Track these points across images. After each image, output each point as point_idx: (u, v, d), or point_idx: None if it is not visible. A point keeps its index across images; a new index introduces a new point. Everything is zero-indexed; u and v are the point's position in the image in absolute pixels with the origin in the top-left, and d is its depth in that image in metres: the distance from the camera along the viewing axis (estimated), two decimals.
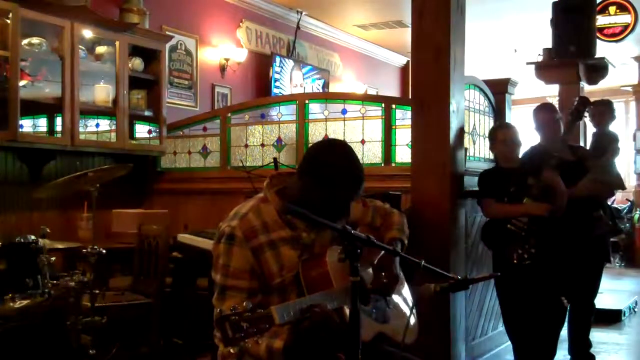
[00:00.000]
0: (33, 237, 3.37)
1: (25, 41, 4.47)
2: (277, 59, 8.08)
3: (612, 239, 10.00)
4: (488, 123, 4.67)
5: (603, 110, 4.90)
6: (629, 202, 10.60)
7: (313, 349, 1.87)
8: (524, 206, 3.68)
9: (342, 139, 4.58)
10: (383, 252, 2.19)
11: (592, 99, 4.80)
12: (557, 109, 4.26)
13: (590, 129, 5.59)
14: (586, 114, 4.12)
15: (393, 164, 4.59)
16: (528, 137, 4.35)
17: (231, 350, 2.01)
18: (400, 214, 2.51)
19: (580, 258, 3.94)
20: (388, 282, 2.24)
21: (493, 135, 4.01)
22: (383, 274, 2.24)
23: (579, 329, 4.20)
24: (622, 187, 4.60)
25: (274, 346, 1.90)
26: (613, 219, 4.46)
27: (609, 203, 4.79)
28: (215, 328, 1.79)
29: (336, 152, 2.13)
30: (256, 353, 1.94)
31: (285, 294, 2.09)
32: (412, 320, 2.33)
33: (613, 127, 5.36)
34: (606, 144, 4.64)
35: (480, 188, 3.90)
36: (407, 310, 2.33)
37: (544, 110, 4.09)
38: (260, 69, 7.96)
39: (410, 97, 4.25)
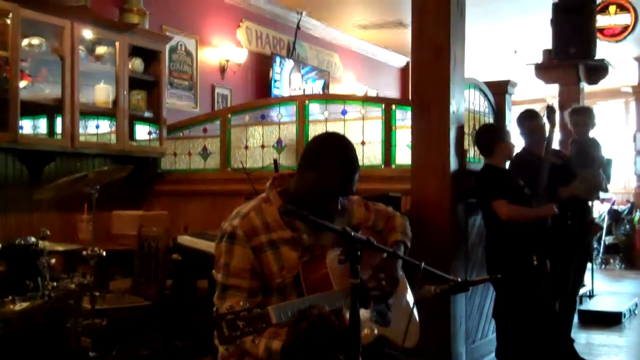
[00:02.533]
0: (33, 239, 3.36)
1: (25, 41, 4.47)
2: (277, 59, 8.08)
3: (612, 241, 10.12)
4: None
5: (583, 120, 5.01)
6: (630, 204, 10.59)
7: (311, 351, 1.86)
8: (538, 211, 3.79)
9: None
10: (384, 254, 2.18)
11: (573, 106, 5.07)
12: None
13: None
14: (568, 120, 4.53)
15: (393, 166, 4.59)
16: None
17: (229, 350, 2.03)
18: (402, 217, 2.51)
19: (576, 259, 4.11)
20: (388, 285, 2.23)
21: (502, 137, 3.98)
22: (383, 276, 2.23)
23: (566, 327, 4.41)
24: (606, 190, 4.87)
25: (273, 347, 1.90)
26: None
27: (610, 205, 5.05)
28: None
29: (329, 138, 2.23)
30: (255, 353, 1.94)
31: (285, 295, 2.09)
32: (414, 323, 2.32)
33: (613, 128, 5.51)
34: (593, 152, 4.80)
35: (488, 189, 3.87)
36: (408, 314, 2.32)
37: (530, 117, 4.25)
38: (261, 70, 7.96)
39: (410, 97, 4.25)
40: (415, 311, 2.34)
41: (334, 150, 2.12)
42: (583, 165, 4.48)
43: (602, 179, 4.58)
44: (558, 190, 4.10)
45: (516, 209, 3.76)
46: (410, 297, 2.40)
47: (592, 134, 5.02)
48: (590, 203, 4.71)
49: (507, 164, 4.08)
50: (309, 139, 4.85)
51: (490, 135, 4.02)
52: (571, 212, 4.18)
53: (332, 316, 1.88)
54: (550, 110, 4.19)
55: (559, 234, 4.13)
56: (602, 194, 4.99)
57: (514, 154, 4.07)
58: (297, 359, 1.89)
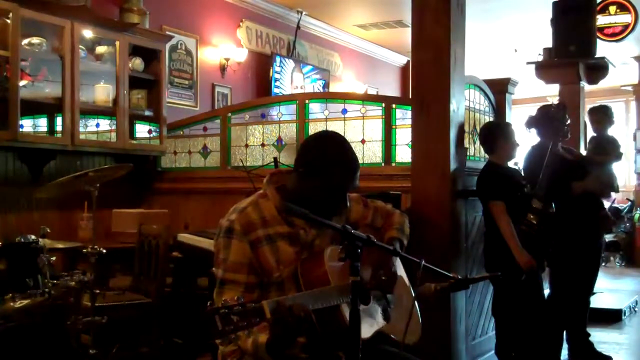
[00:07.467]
0: (33, 237, 3.37)
1: (25, 41, 4.47)
2: (278, 58, 8.08)
3: (612, 239, 10.15)
4: None
5: (600, 118, 5.09)
6: (630, 202, 10.59)
7: (292, 349, 1.89)
8: (518, 246, 3.67)
9: None
10: (382, 251, 2.18)
11: (591, 105, 5.14)
12: None
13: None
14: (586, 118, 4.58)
15: (393, 164, 4.59)
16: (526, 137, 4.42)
17: (225, 345, 2.03)
18: (401, 215, 2.50)
19: (590, 255, 4.25)
20: (387, 281, 2.23)
21: (504, 135, 3.94)
22: (381, 272, 2.23)
23: (580, 324, 4.48)
24: (617, 190, 4.93)
25: (259, 340, 1.90)
26: None
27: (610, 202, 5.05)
28: None
29: (328, 141, 2.19)
30: (244, 347, 1.96)
31: (284, 290, 2.09)
32: (415, 320, 2.32)
33: (613, 129, 5.57)
34: (607, 146, 4.85)
35: (487, 188, 3.86)
36: (409, 310, 2.32)
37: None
38: (261, 69, 7.96)
39: (410, 96, 4.25)
40: (417, 308, 2.34)
41: (334, 154, 2.11)
42: (598, 163, 4.55)
43: (614, 178, 4.61)
44: (572, 185, 4.08)
45: (505, 223, 3.72)
46: (411, 294, 2.40)
47: (610, 131, 5.11)
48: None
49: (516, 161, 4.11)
50: None
51: (492, 133, 4.00)
52: (583, 210, 4.18)
53: (311, 316, 1.84)
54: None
55: (568, 232, 4.13)
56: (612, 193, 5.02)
57: (515, 150, 4.04)
58: (282, 354, 1.89)
